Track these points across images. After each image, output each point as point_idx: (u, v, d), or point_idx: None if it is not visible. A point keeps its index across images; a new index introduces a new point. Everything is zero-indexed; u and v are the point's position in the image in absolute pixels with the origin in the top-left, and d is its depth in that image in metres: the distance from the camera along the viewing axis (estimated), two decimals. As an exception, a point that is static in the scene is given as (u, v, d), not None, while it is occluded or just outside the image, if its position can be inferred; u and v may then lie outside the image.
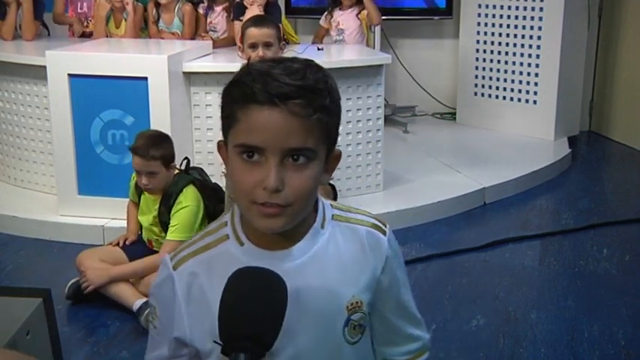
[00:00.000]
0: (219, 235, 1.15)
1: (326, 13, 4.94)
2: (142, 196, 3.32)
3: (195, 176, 3.30)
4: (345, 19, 4.84)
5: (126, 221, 3.46)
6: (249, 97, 1.03)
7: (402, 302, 1.23)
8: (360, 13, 4.81)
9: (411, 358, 1.27)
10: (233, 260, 1.09)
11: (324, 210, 1.16)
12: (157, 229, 3.27)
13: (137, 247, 3.33)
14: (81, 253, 3.25)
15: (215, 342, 0.99)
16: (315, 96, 1.04)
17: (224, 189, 3.30)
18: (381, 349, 1.25)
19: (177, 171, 3.27)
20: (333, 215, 1.17)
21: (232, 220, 1.15)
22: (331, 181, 3.85)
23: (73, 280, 3.19)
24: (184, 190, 3.18)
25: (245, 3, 4.38)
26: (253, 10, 4.27)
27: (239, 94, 1.05)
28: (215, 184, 3.42)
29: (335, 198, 3.67)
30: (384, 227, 1.20)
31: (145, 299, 3.04)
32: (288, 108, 1.02)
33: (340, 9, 4.85)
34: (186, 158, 3.38)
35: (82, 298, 3.14)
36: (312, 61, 1.09)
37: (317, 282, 1.12)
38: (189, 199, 3.17)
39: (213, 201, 3.30)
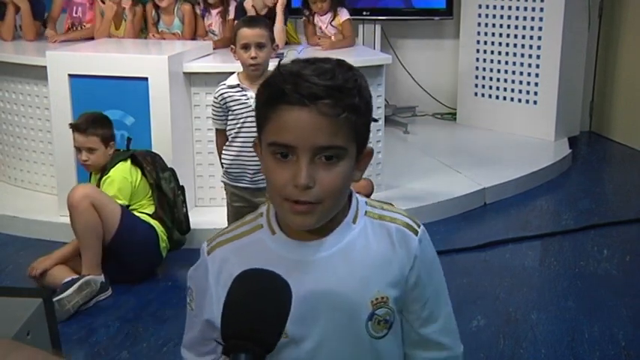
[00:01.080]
0: (254, 225, 1.20)
1: (304, 18, 4.83)
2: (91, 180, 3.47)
3: (132, 152, 3.46)
4: (324, 25, 4.77)
5: None
6: (280, 98, 1.06)
7: (429, 306, 1.21)
8: (334, 20, 4.71)
9: None
10: (264, 248, 1.15)
11: (357, 205, 1.19)
12: None
13: None
14: (34, 262, 3.29)
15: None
16: (344, 95, 1.07)
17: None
18: (407, 350, 1.25)
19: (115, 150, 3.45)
20: (366, 211, 1.19)
21: (268, 211, 1.19)
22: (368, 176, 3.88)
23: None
24: (117, 165, 3.35)
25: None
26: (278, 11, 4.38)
27: (270, 95, 1.08)
28: (152, 152, 3.58)
29: (371, 193, 3.69)
30: (416, 227, 1.20)
31: (76, 276, 3.13)
32: (317, 108, 1.05)
33: (318, 15, 4.77)
34: (128, 138, 3.55)
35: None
36: (343, 61, 1.12)
37: (344, 275, 1.14)
38: (115, 172, 3.33)
39: (156, 168, 3.45)
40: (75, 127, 3.37)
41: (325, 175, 1.07)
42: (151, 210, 3.45)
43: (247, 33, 3.09)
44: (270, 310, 0.95)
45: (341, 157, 1.08)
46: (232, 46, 3.18)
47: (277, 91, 1.07)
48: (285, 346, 1.14)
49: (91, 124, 3.35)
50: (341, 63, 1.11)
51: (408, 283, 1.18)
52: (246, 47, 3.07)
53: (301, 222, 1.10)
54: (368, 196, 3.68)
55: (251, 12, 4.42)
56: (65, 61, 3.82)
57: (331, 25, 4.70)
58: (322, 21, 4.73)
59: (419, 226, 1.20)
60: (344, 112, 1.06)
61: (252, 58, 3.04)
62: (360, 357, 1.17)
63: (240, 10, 4.55)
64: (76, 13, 4.83)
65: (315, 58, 1.12)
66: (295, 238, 1.15)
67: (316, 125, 1.05)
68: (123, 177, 3.34)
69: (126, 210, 3.32)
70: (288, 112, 1.06)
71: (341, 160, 1.08)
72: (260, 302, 0.95)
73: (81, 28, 4.82)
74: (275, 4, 4.46)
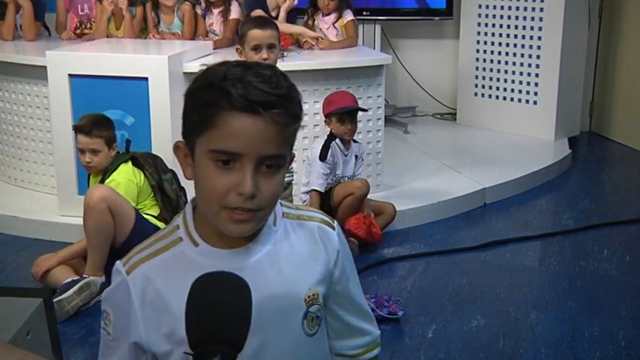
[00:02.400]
0: (173, 239, 1.16)
1: (307, 17, 4.82)
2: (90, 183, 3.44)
3: (133, 153, 3.43)
4: (326, 26, 4.71)
5: None
6: (228, 103, 1.04)
7: (352, 296, 1.25)
8: (337, 21, 4.68)
9: (361, 352, 1.29)
10: (188, 261, 1.11)
11: (275, 208, 1.18)
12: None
13: None
14: (38, 259, 3.29)
15: (185, 353, 0.99)
16: (291, 104, 1.07)
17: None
18: (332, 343, 1.27)
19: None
20: (283, 213, 1.19)
21: (185, 223, 1.16)
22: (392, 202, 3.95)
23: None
24: (119, 167, 3.33)
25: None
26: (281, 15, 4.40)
27: (215, 99, 1.05)
28: (153, 154, 3.55)
29: (367, 193, 3.74)
30: (332, 223, 1.23)
31: (77, 277, 3.12)
32: (270, 116, 1.04)
33: (322, 15, 4.72)
34: (127, 140, 3.53)
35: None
36: (275, 67, 1.12)
37: (274, 277, 1.14)
38: (119, 175, 3.30)
39: (157, 170, 3.44)
40: (79, 129, 3.35)
41: (267, 183, 1.07)
42: (155, 211, 3.44)
43: (259, 34, 3.07)
44: (231, 310, 0.95)
45: (281, 165, 1.09)
46: (238, 47, 3.16)
47: (223, 96, 1.04)
48: None
49: (95, 125, 3.34)
50: (276, 69, 1.09)
51: (333, 277, 1.20)
52: (257, 48, 3.05)
53: (239, 230, 1.08)
54: (364, 196, 3.69)
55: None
56: (65, 61, 3.82)
57: (333, 27, 4.69)
58: (325, 22, 4.71)
59: (333, 221, 1.24)
60: (293, 121, 1.07)
61: (263, 59, 3.02)
62: (300, 356, 1.17)
63: (250, 6, 4.55)
64: (83, 10, 4.83)
65: (249, 62, 1.11)
66: (220, 247, 1.13)
67: (267, 134, 1.04)
68: (128, 179, 3.32)
69: (139, 214, 3.31)
70: (237, 119, 1.03)
71: (281, 168, 1.09)
72: (221, 303, 0.95)
73: (90, 25, 4.82)
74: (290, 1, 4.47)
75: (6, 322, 1.52)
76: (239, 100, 1.03)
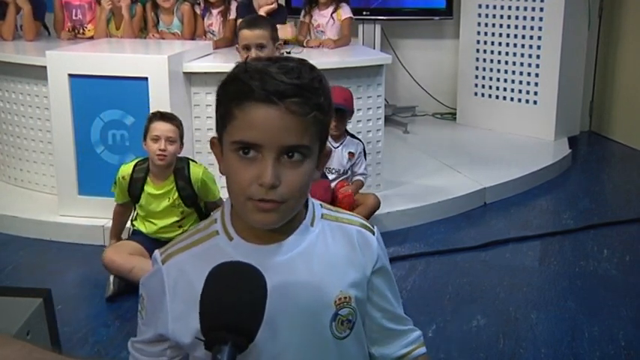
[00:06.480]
0: (209, 232, 1.17)
1: (304, 12, 4.77)
2: (146, 193, 3.36)
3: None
4: (324, 20, 4.68)
5: (113, 223, 3.56)
6: (247, 95, 1.05)
7: (389, 302, 1.25)
8: (335, 12, 4.62)
9: (412, 349, 1.28)
10: (222, 255, 1.11)
11: (314, 208, 1.19)
12: (177, 211, 3.33)
13: (148, 241, 3.35)
14: (107, 252, 3.27)
15: (197, 338, 0.99)
16: (311, 94, 1.06)
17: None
18: (382, 350, 1.26)
19: None
20: (322, 214, 1.19)
21: (222, 217, 1.17)
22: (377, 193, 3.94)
23: (112, 278, 3.21)
24: (192, 167, 3.36)
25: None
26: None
27: (236, 92, 1.07)
28: None
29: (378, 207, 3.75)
30: (372, 228, 1.23)
31: None
32: (285, 106, 1.04)
33: (318, 9, 4.68)
34: None
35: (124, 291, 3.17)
36: (305, 60, 1.11)
37: (305, 277, 1.13)
38: (201, 166, 3.39)
39: None
40: (161, 115, 3.33)
41: (290, 174, 1.06)
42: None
43: (247, 34, 3.10)
44: (245, 299, 0.95)
45: (306, 156, 1.08)
46: (237, 46, 3.20)
47: (244, 88, 1.05)
48: (250, 350, 1.11)
49: (175, 117, 3.36)
50: (304, 62, 1.10)
51: (371, 281, 1.20)
52: (246, 48, 3.08)
53: (264, 220, 1.08)
54: (373, 212, 3.70)
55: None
56: (65, 61, 3.82)
57: (331, 18, 4.65)
58: (323, 15, 4.68)
59: (373, 227, 1.24)
60: (312, 111, 1.06)
61: (253, 58, 3.04)
62: (325, 359, 1.17)
63: (244, 7, 4.54)
64: (76, 15, 4.82)
65: (278, 56, 1.12)
66: (254, 243, 1.14)
67: (284, 124, 1.04)
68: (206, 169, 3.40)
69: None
70: (256, 110, 1.04)
71: (305, 159, 1.08)
72: (234, 293, 0.95)
73: (83, 30, 4.81)
74: (269, 4, 4.46)
75: (6, 322, 1.52)
76: (256, 91, 1.04)
